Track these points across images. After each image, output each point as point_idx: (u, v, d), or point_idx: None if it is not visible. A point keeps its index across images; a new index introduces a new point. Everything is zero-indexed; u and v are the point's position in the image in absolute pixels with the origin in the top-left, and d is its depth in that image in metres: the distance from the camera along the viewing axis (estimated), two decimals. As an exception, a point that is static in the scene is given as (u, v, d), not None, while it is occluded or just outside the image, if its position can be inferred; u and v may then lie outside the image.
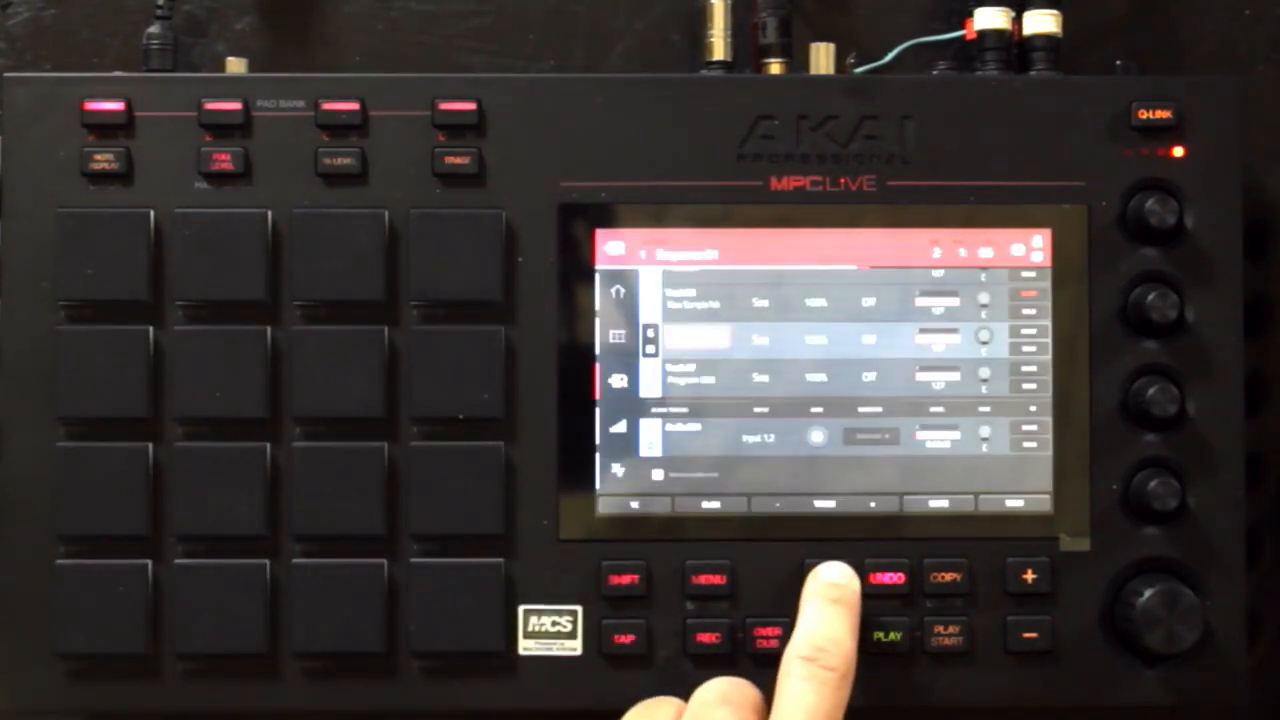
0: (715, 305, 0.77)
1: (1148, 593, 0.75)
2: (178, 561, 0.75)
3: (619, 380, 0.76)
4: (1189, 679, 0.76)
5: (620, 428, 0.76)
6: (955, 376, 0.77)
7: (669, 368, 0.77)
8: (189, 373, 0.75)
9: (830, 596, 0.72)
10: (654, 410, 0.76)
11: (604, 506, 0.76)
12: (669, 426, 0.76)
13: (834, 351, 0.77)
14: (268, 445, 0.75)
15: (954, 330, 0.77)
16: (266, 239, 0.76)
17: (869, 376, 0.77)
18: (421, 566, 0.76)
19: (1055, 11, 0.79)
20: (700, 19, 0.81)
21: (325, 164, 0.76)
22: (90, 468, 0.75)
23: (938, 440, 0.77)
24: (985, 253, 0.77)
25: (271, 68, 0.83)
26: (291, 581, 0.75)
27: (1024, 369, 0.77)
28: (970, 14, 0.80)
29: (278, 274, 0.76)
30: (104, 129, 0.76)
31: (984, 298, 0.77)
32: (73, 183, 0.76)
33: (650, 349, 0.77)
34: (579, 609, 0.76)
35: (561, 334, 0.76)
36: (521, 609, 0.76)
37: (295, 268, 0.76)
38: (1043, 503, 0.77)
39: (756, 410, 0.76)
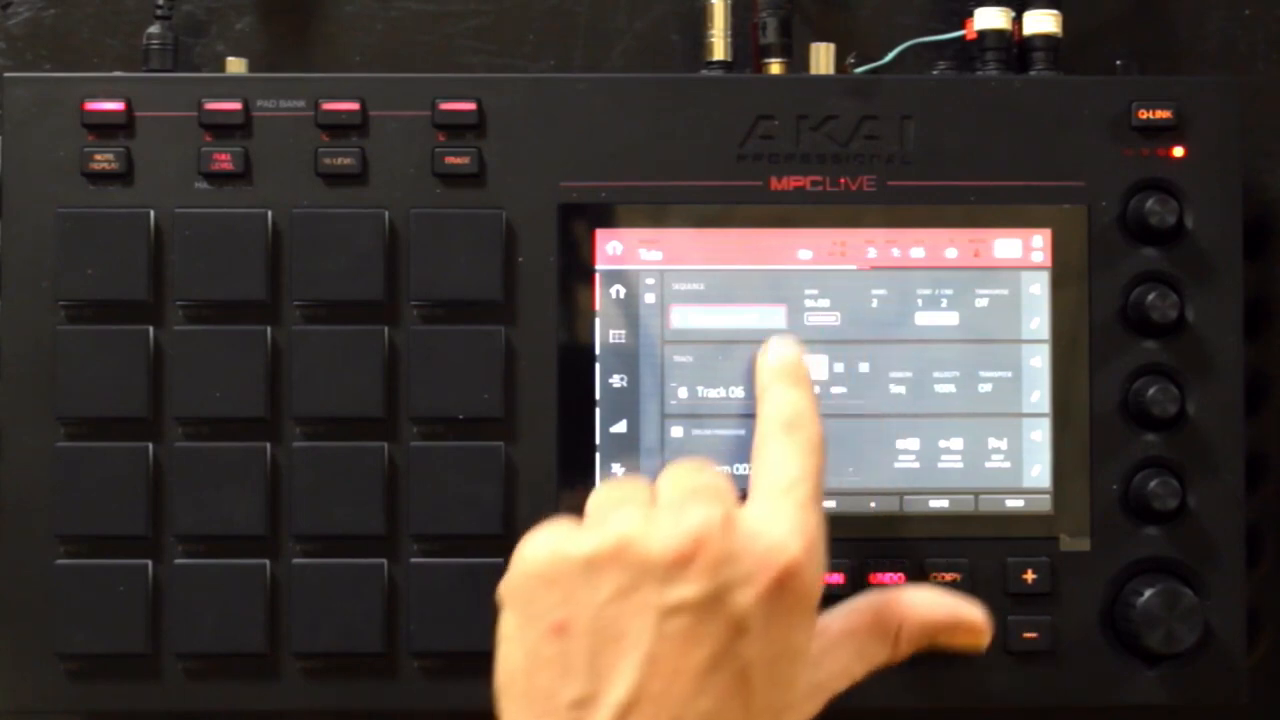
0: (715, 305, 0.77)
1: (1148, 593, 0.75)
2: (178, 561, 0.75)
3: (619, 380, 0.76)
4: (1189, 679, 0.76)
5: (620, 428, 0.76)
6: (955, 375, 0.77)
7: (669, 367, 0.77)
8: (189, 373, 0.75)
9: (790, 375, 0.69)
10: (654, 410, 0.76)
11: (604, 506, 0.76)
12: (669, 427, 0.76)
13: (833, 352, 0.77)
14: (268, 445, 0.75)
15: (954, 330, 0.77)
16: (266, 239, 0.76)
17: (869, 377, 0.76)
18: (421, 566, 0.76)
19: (1055, 11, 0.79)
20: (700, 19, 0.81)
21: (325, 164, 0.76)
22: (90, 468, 0.75)
23: (938, 440, 0.76)
24: (985, 253, 0.77)
25: (271, 68, 0.83)
26: (291, 581, 0.75)
27: (1024, 369, 0.77)
28: (970, 14, 0.80)
29: (278, 274, 0.76)
30: (104, 129, 0.76)
31: (984, 298, 0.77)
32: (73, 183, 0.76)
33: (650, 349, 0.77)
34: (579, 609, 0.76)
35: (561, 334, 0.76)
36: (521, 609, 0.76)
37: (295, 268, 0.76)
38: (1043, 503, 0.77)
39: (757, 410, 0.76)
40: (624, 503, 0.63)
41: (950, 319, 0.77)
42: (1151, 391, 0.76)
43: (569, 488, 0.76)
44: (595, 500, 0.65)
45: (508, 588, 0.62)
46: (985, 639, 0.68)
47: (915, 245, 0.77)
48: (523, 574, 0.62)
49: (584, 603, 0.60)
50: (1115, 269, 0.77)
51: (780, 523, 0.63)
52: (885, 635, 0.66)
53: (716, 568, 0.60)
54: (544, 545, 0.62)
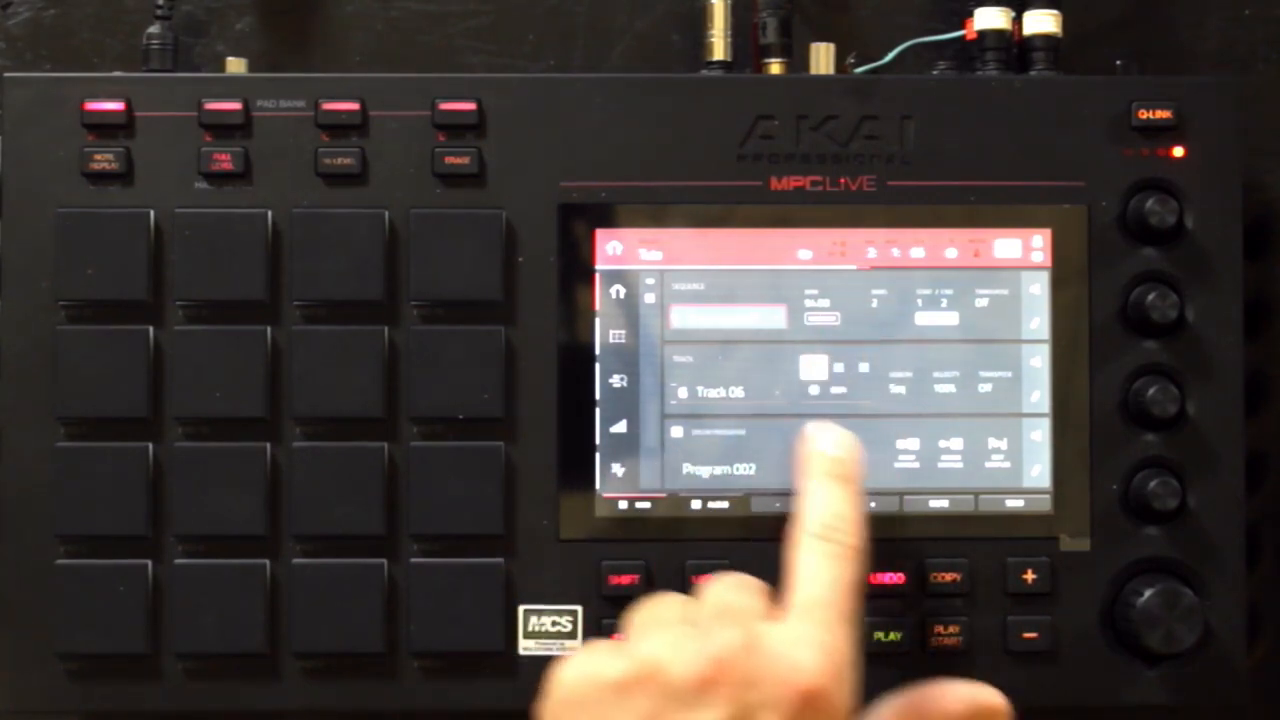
0: (715, 305, 0.77)
1: (1148, 593, 0.75)
2: (178, 561, 0.75)
3: (619, 380, 0.76)
4: (1189, 679, 0.76)
5: (620, 428, 0.76)
6: (955, 375, 0.77)
7: (669, 367, 0.77)
8: (189, 373, 0.75)
9: (834, 473, 0.70)
10: (654, 410, 0.76)
11: (604, 506, 0.76)
12: (669, 427, 0.76)
13: (834, 352, 0.77)
14: (268, 445, 0.75)
15: (954, 330, 0.77)
16: (266, 239, 0.76)
17: (869, 377, 0.76)
18: (421, 566, 0.76)
19: (1055, 11, 0.79)
20: (700, 19, 0.81)
21: (325, 164, 0.76)
22: (90, 468, 0.75)
23: (938, 440, 0.76)
24: (985, 253, 0.77)
25: (271, 68, 0.83)
26: (291, 581, 0.75)
27: (1024, 369, 0.77)
28: (970, 14, 0.80)
29: (278, 274, 0.76)
30: (104, 129, 0.76)
31: (984, 298, 0.77)
32: (73, 183, 0.76)
33: (650, 349, 0.77)
34: (579, 609, 0.76)
35: (561, 334, 0.76)
36: (521, 609, 0.76)
37: (295, 268, 0.76)
38: (1043, 503, 0.77)
39: (757, 410, 0.76)
40: (657, 623, 0.65)
41: (950, 319, 0.77)
42: (1151, 391, 0.76)
43: (569, 488, 0.76)
44: (634, 618, 0.66)
45: (545, 710, 0.64)
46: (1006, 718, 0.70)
47: (915, 245, 0.77)
48: (558, 698, 0.63)
49: None
50: (1115, 269, 0.77)
51: (805, 645, 0.63)
52: None
53: (738, 691, 0.61)
54: (577, 669, 0.63)
